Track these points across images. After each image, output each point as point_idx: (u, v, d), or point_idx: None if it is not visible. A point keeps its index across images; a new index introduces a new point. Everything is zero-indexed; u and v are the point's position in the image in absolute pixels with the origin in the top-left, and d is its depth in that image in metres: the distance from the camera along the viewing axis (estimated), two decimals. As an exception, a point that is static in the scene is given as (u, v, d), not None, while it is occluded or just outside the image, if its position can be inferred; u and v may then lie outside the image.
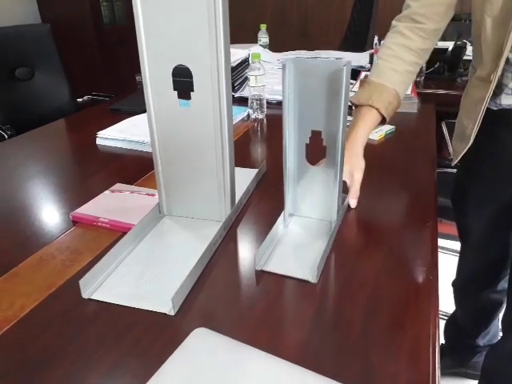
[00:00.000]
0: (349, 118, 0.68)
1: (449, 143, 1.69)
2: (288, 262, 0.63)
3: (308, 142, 0.66)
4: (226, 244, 0.68)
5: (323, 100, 0.62)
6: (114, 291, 0.57)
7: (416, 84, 1.52)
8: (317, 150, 0.67)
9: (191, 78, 0.63)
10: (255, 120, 1.28)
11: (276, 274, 0.60)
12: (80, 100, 2.06)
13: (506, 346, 0.99)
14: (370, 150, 0.84)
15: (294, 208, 0.73)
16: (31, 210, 0.81)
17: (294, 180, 0.70)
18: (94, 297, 0.57)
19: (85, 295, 0.57)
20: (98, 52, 2.93)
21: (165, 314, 0.54)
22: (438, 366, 0.46)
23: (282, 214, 0.71)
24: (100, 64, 2.97)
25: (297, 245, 0.67)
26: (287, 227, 0.71)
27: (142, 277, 0.60)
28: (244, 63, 1.54)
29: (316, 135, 0.65)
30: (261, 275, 0.61)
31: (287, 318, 0.53)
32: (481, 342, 1.25)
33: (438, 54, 1.74)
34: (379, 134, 1.12)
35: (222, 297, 0.58)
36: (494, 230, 1.03)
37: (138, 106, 1.31)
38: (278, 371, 0.44)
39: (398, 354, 0.48)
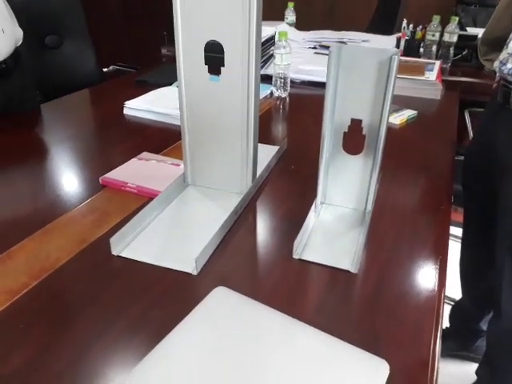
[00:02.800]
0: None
1: (470, 132, 1.68)
2: (324, 250, 0.63)
3: (347, 130, 0.66)
4: (245, 215, 0.72)
5: (368, 88, 0.61)
6: (141, 250, 0.62)
7: (442, 70, 1.51)
8: (354, 139, 0.66)
9: (222, 53, 0.65)
10: (278, 98, 1.30)
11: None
12: (105, 69, 2.09)
13: (499, 326, 1.03)
14: (391, 134, 0.86)
15: (325, 196, 0.73)
16: (62, 173, 0.86)
17: (328, 168, 0.70)
18: (122, 254, 0.61)
19: (114, 252, 0.61)
20: (124, 22, 2.94)
21: (188, 273, 0.58)
22: (439, 335, 0.49)
23: (314, 202, 0.71)
24: (125, 35, 2.99)
25: (330, 234, 0.67)
26: (319, 215, 0.71)
27: (167, 239, 0.64)
28: (270, 41, 1.54)
29: (355, 124, 0.65)
30: (280, 248, 0.65)
31: (304, 284, 0.57)
32: (483, 326, 1.28)
33: (466, 40, 1.72)
34: (401, 118, 1.13)
35: (241, 262, 0.62)
36: (495, 208, 1.04)
37: (164, 79, 1.34)
38: (292, 331, 0.48)
39: (405, 321, 0.51)
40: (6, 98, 1.09)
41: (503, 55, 0.91)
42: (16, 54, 1.08)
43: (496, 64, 0.95)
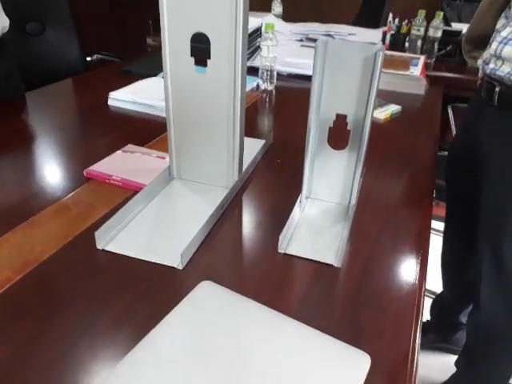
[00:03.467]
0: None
1: (453, 127, 1.71)
2: (308, 245, 0.63)
3: (332, 125, 0.66)
4: (231, 209, 0.72)
5: (353, 84, 0.62)
6: (127, 244, 0.62)
7: (426, 65, 1.53)
8: (339, 134, 0.67)
9: (209, 45, 0.65)
10: (264, 91, 1.29)
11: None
12: (89, 58, 2.05)
13: (477, 318, 1.06)
14: (376, 129, 0.87)
15: (310, 191, 0.74)
16: (45, 164, 0.85)
17: (314, 163, 0.71)
18: (107, 248, 0.61)
19: (99, 246, 0.61)
20: (109, 10, 2.89)
21: (173, 267, 0.58)
22: (419, 327, 0.51)
23: (299, 196, 0.71)
24: (110, 23, 2.93)
25: (315, 228, 0.68)
26: (303, 210, 0.72)
27: (153, 233, 0.64)
28: (256, 32, 1.53)
29: (340, 119, 0.65)
30: (266, 243, 0.65)
31: (289, 278, 0.58)
32: (463, 319, 1.32)
33: (451, 35, 1.74)
34: (385, 113, 1.14)
35: (226, 256, 0.62)
36: (477, 204, 1.07)
37: (149, 69, 1.32)
38: (276, 325, 0.48)
39: (386, 314, 0.52)
40: None
41: (486, 55, 0.92)
42: (1, 42, 1.06)
43: (479, 62, 0.96)
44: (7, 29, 1.09)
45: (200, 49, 0.66)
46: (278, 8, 2.04)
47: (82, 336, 0.48)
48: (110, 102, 1.12)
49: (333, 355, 0.45)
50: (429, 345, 1.41)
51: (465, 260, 1.22)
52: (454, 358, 1.26)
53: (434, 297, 1.45)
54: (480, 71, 0.99)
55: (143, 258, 0.59)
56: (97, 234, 0.60)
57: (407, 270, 0.60)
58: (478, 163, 0.98)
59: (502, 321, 1.01)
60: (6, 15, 1.11)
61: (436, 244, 1.28)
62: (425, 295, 0.58)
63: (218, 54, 0.65)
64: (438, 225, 1.37)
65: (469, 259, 1.21)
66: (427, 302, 1.46)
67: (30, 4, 1.72)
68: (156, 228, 0.66)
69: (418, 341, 0.50)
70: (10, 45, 1.12)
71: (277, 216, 0.70)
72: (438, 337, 1.40)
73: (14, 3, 1.67)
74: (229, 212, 0.71)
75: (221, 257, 0.62)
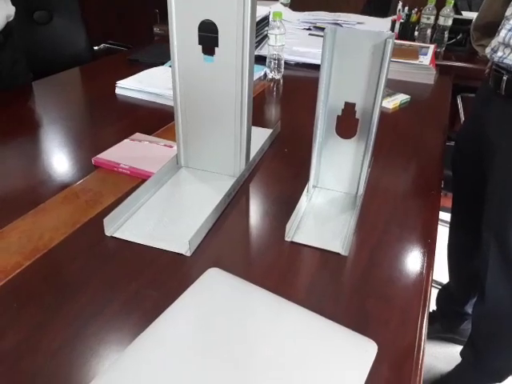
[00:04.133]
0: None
1: (462, 117, 1.69)
2: (315, 233, 0.63)
3: (340, 113, 0.66)
4: (239, 197, 0.72)
5: (362, 72, 0.61)
6: (135, 231, 0.62)
7: (436, 55, 1.51)
8: (347, 122, 0.66)
9: (217, 33, 0.64)
10: (272, 80, 1.29)
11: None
12: (96, 48, 2.05)
13: (482, 309, 1.05)
14: (384, 118, 0.86)
15: (318, 180, 0.74)
16: (54, 152, 0.85)
17: (321, 152, 0.70)
18: (116, 235, 0.61)
19: (108, 233, 0.61)
20: (116, 0, 2.87)
21: (181, 254, 0.59)
22: (426, 316, 0.51)
23: (307, 185, 0.71)
24: (117, 12, 2.92)
25: (322, 217, 0.67)
26: (311, 199, 0.72)
27: (161, 220, 0.65)
28: (264, 21, 1.52)
29: (348, 107, 0.65)
30: (273, 232, 0.65)
31: (296, 266, 0.58)
32: (469, 309, 1.31)
33: (461, 24, 1.70)
34: (394, 102, 1.13)
35: (234, 244, 0.62)
36: (483, 194, 1.06)
37: (156, 58, 1.32)
38: (283, 311, 0.49)
39: (393, 303, 0.52)
40: None
41: (494, 43, 0.91)
42: (7, 29, 1.06)
43: (488, 50, 0.95)
44: (13, 17, 1.09)
45: (208, 37, 0.65)
46: (285, -4, 2.02)
47: (91, 321, 0.49)
48: (118, 91, 1.12)
49: (339, 342, 0.45)
50: (435, 334, 1.41)
51: (470, 250, 1.22)
52: (460, 348, 1.26)
53: (439, 287, 1.45)
54: (489, 60, 0.97)
55: (151, 245, 0.60)
56: (105, 220, 0.61)
57: (414, 259, 0.60)
58: (485, 152, 0.97)
59: (507, 311, 1.01)
60: (14, 4, 1.11)
61: (444, 235, 1.28)
62: (432, 285, 0.58)
63: (225, 43, 0.65)
64: (446, 216, 1.36)
65: (474, 249, 1.20)
66: (434, 293, 1.46)
67: (37, -8, 1.72)
68: (164, 215, 0.66)
69: (424, 330, 0.50)
70: (16, 33, 1.13)
71: (284, 205, 0.70)
72: (444, 327, 1.40)
73: (22, -8, 1.67)
74: (236, 200, 0.71)
75: (228, 244, 0.62)
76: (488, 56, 0.95)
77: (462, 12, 2.05)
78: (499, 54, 0.87)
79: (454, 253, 1.31)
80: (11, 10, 1.08)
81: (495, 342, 1.08)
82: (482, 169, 0.99)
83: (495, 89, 0.91)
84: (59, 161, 0.83)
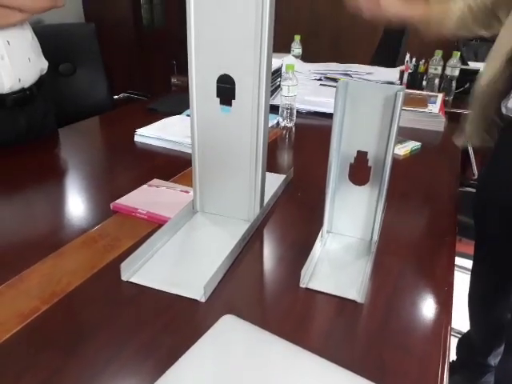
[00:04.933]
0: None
1: (473, 163, 1.70)
2: (331, 280, 0.64)
3: (353, 161, 0.68)
4: (253, 242, 0.73)
5: (374, 122, 0.64)
6: (151, 276, 0.63)
7: (444, 103, 1.55)
8: (360, 170, 0.68)
9: (234, 85, 0.68)
10: (284, 128, 1.33)
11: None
12: (116, 97, 2.15)
13: (509, 365, 1.01)
14: (396, 165, 0.88)
15: (331, 225, 0.75)
16: (74, 197, 0.88)
17: (335, 198, 0.72)
18: (132, 280, 0.62)
19: (124, 278, 0.62)
20: (136, 52, 3.04)
21: (196, 300, 0.59)
22: (446, 368, 0.49)
23: (321, 230, 0.72)
24: (136, 63, 3.08)
25: (337, 263, 0.68)
26: (325, 244, 0.72)
27: (176, 265, 0.66)
28: (277, 72, 1.59)
29: (361, 155, 0.67)
30: (287, 276, 0.66)
31: (311, 313, 0.58)
32: (492, 361, 1.26)
33: (468, 74, 1.76)
34: (405, 149, 1.15)
35: (248, 289, 0.62)
36: (507, 243, 1.04)
37: (174, 107, 1.38)
38: (298, 360, 0.48)
39: (412, 353, 0.51)
40: (29, 123, 1.13)
41: None
42: (40, 81, 1.13)
43: (504, 110, 0.93)
44: (46, 70, 1.16)
45: (225, 89, 0.69)
46: (297, 49, 2.12)
47: (106, 367, 0.49)
48: (137, 139, 1.16)
49: (357, 393, 0.44)
50: (455, 388, 1.34)
51: (494, 299, 1.19)
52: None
53: (459, 335, 1.40)
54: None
55: (167, 290, 0.60)
56: (122, 265, 0.62)
57: (432, 307, 0.60)
58: None
59: None
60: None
61: (460, 281, 1.25)
62: (451, 334, 0.56)
63: (242, 94, 0.68)
64: (461, 261, 1.34)
65: (498, 298, 1.17)
66: (452, 341, 1.40)
67: (63, 46, 1.84)
68: (180, 260, 0.67)
69: (445, 381, 0.48)
70: (47, 85, 1.20)
71: (298, 250, 0.70)
72: (464, 379, 1.34)
73: (49, 46, 1.79)
74: (251, 245, 0.72)
75: (243, 290, 0.62)
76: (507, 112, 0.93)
77: (469, 62, 2.12)
78: None
79: (475, 301, 1.28)
80: (45, 64, 1.16)
81: None
82: (508, 216, 0.97)
83: None
84: (79, 206, 0.85)
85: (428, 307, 0.60)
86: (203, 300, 0.59)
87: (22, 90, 1.06)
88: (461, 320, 1.33)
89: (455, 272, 0.71)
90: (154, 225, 0.76)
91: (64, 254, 0.68)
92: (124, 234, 0.74)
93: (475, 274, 1.25)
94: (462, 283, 1.27)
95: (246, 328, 0.52)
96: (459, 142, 1.08)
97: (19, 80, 1.04)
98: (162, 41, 3.07)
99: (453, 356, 1.40)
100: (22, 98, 1.07)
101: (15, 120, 1.10)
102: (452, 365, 1.37)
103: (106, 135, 1.32)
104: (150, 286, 0.61)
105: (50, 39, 1.79)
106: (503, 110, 0.94)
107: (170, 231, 0.73)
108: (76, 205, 0.85)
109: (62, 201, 0.87)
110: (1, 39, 0.98)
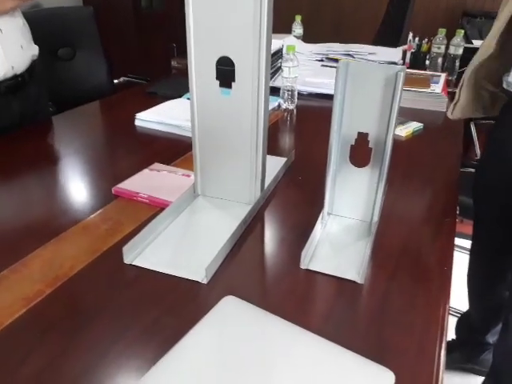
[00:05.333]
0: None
1: (476, 144, 1.69)
2: (331, 261, 0.64)
3: (353, 143, 0.68)
4: (254, 224, 0.73)
5: (375, 103, 0.63)
6: (153, 259, 0.64)
7: (448, 83, 1.53)
8: (360, 152, 0.68)
9: (233, 68, 0.67)
10: (285, 110, 1.32)
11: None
12: (116, 81, 2.14)
13: (508, 342, 1.02)
14: (397, 146, 0.87)
15: (332, 207, 0.75)
16: (75, 182, 0.89)
17: (335, 179, 0.72)
18: (134, 263, 0.63)
19: (127, 261, 0.63)
20: (135, 35, 3.01)
21: (198, 282, 0.59)
22: (444, 345, 0.50)
23: (321, 212, 0.72)
24: (136, 47, 3.05)
25: (337, 245, 0.68)
26: (325, 226, 0.73)
27: (178, 248, 0.66)
28: (278, 53, 1.57)
29: (362, 137, 0.66)
30: (288, 260, 0.66)
31: (312, 294, 0.58)
32: (490, 339, 1.28)
33: (472, 53, 1.72)
34: (407, 130, 1.14)
35: (250, 271, 0.63)
36: (504, 223, 1.04)
37: (174, 91, 1.37)
38: (299, 340, 0.49)
39: (411, 332, 0.52)
40: (22, 109, 1.12)
41: None
42: (31, 67, 1.12)
43: (505, 85, 0.92)
44: (37, 56, 1.16)
45: (225, 72, 0.68)
46: (298, 29, 2.09)
47: (110, 348, 0.50)
48: (137, 123, 1.16)
49: (356, 371, 0.45)
50: (454, 365, 1.37)
51: (493, 277, 1.19)
52: (480, 379, 1.22)
53: (458, 315, 1.41)
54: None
55: (169, 273, 0.61)
56: (124, 249, 0.62)
57: (431, 287, 0.60)
58: None
59: None
60: (41, 42, 1.18)
61: (459, 262, 1.26)
62: (449, 313, 0.57)
63: (242, 77, 0.68)
64: (462, 242, 1.34)
65: (497, 277, 1.18)
66: (451, 320, 1.42)
67: (62, 31, 1.81)
68: (181, 243, 0.68)
69: (442, 359, 0.49)
70: (40, 70, 1.19)
71: (299, 232, 0.71)
72: (463, 357, 1.36)
73: (47, 31, 1.77)
74: (251, 228, 0.72)
75: (244, 272, 0.63)
76: (506, 86, 0.92)
77: (473, 40, 2.09)
78: None
79: (474, 281, 1.29)
80: (36, 50, 1.15)
81: None
82: (508, 196, 0.97)
83: None
84: (80, 191, 0.85)
85: (427, 287, 0.60)
86: (205, 282, 0.59)
87: (15, 76, 1.07)
88: (460, 299, 1.34)
89: (456, 252, 0.72)
90: (155, 209, 0.76)
91: (66, 239, 0.69)
92: (126, 218, 0.74)
93: (474, 254, 1.25)
94: (462, 263, 1.28)
95: (247, 309, 0.53)
96: (450, 113, 1.07)
97: (12, 67, 1.04)
98: (161, 24, 3.03)
99: (451, 335, 1.41)
100: (14, 85, 1.07)
101: (8, 106, 1.09)
102: (451, 343, 1.39)
103: (107, 119, 1.31)
104: (153, 268, 0.62)
105: (48, 23, 1.78)
106: (504, 85, 0.93)
107: (172, 215, 0.74)
108: (77, 190, 0.86)
109: (63, 186, 0.87)
110: None
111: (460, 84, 1.07)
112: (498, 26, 0.91)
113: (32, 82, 1.14)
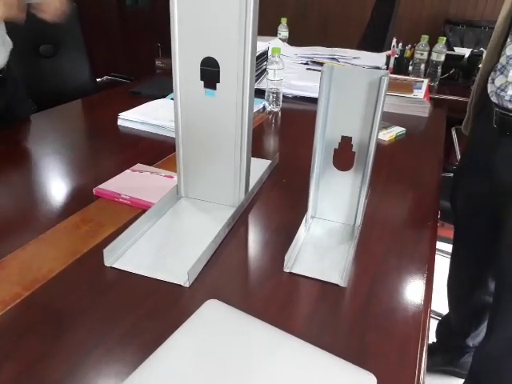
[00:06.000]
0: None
1: (457, 149, 1.72)
2: (314, 264, 0.64)
3: (337, 146, 0.68)
4: (237, 227, 0.73)
5: (358, 108, 0.64)
6: (134, 262, 0.63)
7: (430, 88, 1.55)
8: (344, 155, 0.68)
9: (218, 69, 0.67)
10: (270, 112, 1.32)
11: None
12: (99, 80, 2.10)
13: (490, 347, 1.04)
14: (380, 150, 0.88)
15: (316, 210, 0.75)
16: (55, 183, 0.87)
17: (319, 183, 0.72)
18: (115, 265, 0.62)
19: (107, 263, 0.62)
20: (119, 34, 2.97)
21: (180, 285, 0.59)
22: (425, 348, 0.51)
23: (305, 216, 0.72)
24: (120, 46, 3.01)
25: (321, 248, 0.68)
26: (309, 229, 0.73)
27: (160, 251, 0.65)
28: (263, 55, 1.57)
29: (345, 141, 0.67)
30: (272, 260, 0.66)
31: (295, 297, 0.58)
32: (470, 342, 1.30)
33: (454, 60, 1.77)
34: (390, 134, 1.15)
35: (232, 274, 0.63)
36: (485, 225, 1.06)
37: (157, 91, 1.35)
38: (281, 344, 0.49)
39: (392, 335, 0.52)
40: (3, 106, 1.09)
41: (500, 81, 0.90)
42: (8, 62, 1.10)
43: (491, 89, 0.93)
44: (11, 49, 1.13)
45: (209, 72, 0.68)
46: (284, 32, 2.09)
47: (90, 353, 0.48)
48: (120, 123, 1.14)
49: (338, 375, 0.45)
50: (435, 368, 1.38)
51: (472, 282, 1.21)
52: (461, 381, 1.23)
53: (439, 318, 1.44)
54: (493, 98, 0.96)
55: (150, 276, 0.60)
56: (105, 251, 0.61)
57: (413, 290, 0.61)
58: (491, 189, 0.96)
59: None
60: (23, 38, 1.15)
61: (440, 265, 1.28)
62: (431, 316, 0.58)
63: (226, 78, 0.67)
64: (443, 246, 1.37)
65: (476, 281, 1.20)
66: (432, 324, 1.44)
67: (43, 27, 1.77)
68: (163, 246, 0.67)
69: (423, 363, 0.50)
70: (21, 66, 1.16)
71: (282, 235, 0.70)
72: (444, 360, 1.38)
73: (28, 26, 1.73)
74: (235, 230, 0.72)
75: (227, 275, 0.62)
76: (491, 96, 0.93)
77: (455, 48, 2.13)
78: (509, 92, 0.86)
79: (454, 285, 1.31)
80: (11, 44, 1.12)
81: (501, 380, 1.06)
82: (490, 206, 0.99)
83: (504, 131, 0.90)
84: (61, 191, 0.84)
85: (409, 291, 0.61)
86: (187, 285, 0.59)
87: None
88: (441, 303, 1.36)
89: (437, 256, 0.73)
90: (137, 210, 0.75)
91: (45, 240, 0.67)
92: (107, 219, 0.73)
93: (454, 258, 1.27)
94: (443, 267, 1.30)
95: (230, 312, 0.52)
96: (464, 130, 1.10)
97: None
98: (146, 23, 3.01)
99: (432, 338, 1.43)
100: None
101: None
102: (432, 347, 1.41)
103: (89, 119, 1.29)
104: (134, 271, 0.61)
105: (29, 19, 1.74)
106: (490, 89, 0.94)
107: (154, 217, 0.73)
108: (58, 190, 0.84)
109: (43, 186, 0.85)
110: None
111: (469, 100, 1.08)
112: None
113: (10, 78, 1.12)
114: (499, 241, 0.96)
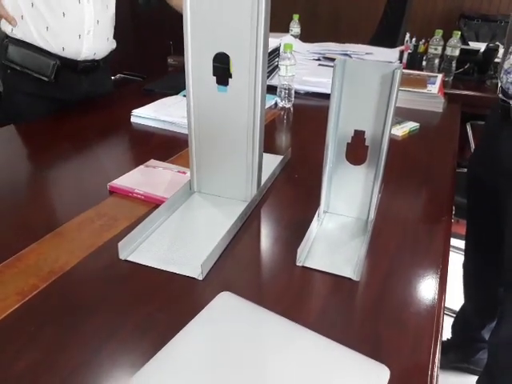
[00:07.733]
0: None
1: (472, 144, 1.70)
2: (327, 258, 0.64)
3: (350, 140, 0.68)
4: (250, 222, 0.73)
5: (371, 101, 0.63)
6: (148, 255, 0.63)
7: (444, 84, 1.53)
8: (357, 149, 0.68)
9: (230, 65, 0.67)
10: (282, 108, 1.32)
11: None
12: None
13: (502, 333, 1.03)
14: (393, 145, 0.87)
15: (328, 205, 0.75)
16: (71, 179, 0.88)
17: (332, 177, 0.72)
18: (130, 258, 0.63)
19: (122, 256, 0.63)
20: (131, 32, 2.99)
21: (193, 278, 0.59)
22: (439, 342, 0.50)
23: (317, 210, 0.72)
24: (132, 44, 3.03)
25: (333, 242, 0.68)
26: (322, 224, 0.73)
27: (174, 244, 0.66)
28: (275, 52, 1.57)
29: (358, 135, 0.66)
30: (284, 255, 0.66)
31: (307, 291, 0.58)
32: (486, 335, 1.28)
33: (469, 54, 1.74)
34: (403, 130, 1.14)
35: (245, 268, 0.63)
36: (500, 218, 1.05)
37: (170, 88, 1.36)
38: (294, 336, 0.49)
39: (406, 329, 0.52)
40: (89, 89, 1.31)
41: (507, 64, 0.91)
42: (106, 57, 1.30)
43: (502, 74, 0.94)
44: (113, 49, 1.32)
45: (222, 68, 0.68)
46: (295, 28, 2.09)
47: (105, 343, 0.49)
48: (133, 120, 1.16)
49: (351, 367, 0.45)
50: (449, 365, 1.37)
51: (487, 274, 1.21)
52: (475, 378, 1.22)
53: (453, 315, 1.42)
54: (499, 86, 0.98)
55: (164, 269, 0.61)
56: (120, 244, 0.62)
57: (426, 285, 0.60)
58: (500, 181, 0.97)
59: None
60: None
61: (455, 262, 1.26)
62: (445, 313, 0.57)
63: (238, 74, 0.67)
64: (457, 242, 1.35)
65: (491, 273, 1.19)
66: (448, 320, 1.43)
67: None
68: (177, 239, 0.67)
69: (437, 356, 0.49)
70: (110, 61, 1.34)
71: (295, 229, 0.71)
72: (458, 356, 1.37)
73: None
74: (248, 225, 0.72)
75: (240, 268, 0.63)
76: (499, 77, 0.94)
77: (470, 42, 2.10)
78: None
79: (469, 278, 1.30)
80: (114, 44, 1.32)
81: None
82: (497, 194, 0.99)
83: (505, 117, 0.92)
84: (76, 186, 0.85)
85: (422, 285, 0.60)
86: (200, 278, 0.59)
87: (93, 61, 1.24)
88: (455, 299, 1.35)
89: (451, 253, 0.72)
90: (151, 205, 0.76)
91: (61, 234, 0.68)
92: (121, 214, 0.74)
93: (468, 251, 1.26)
94: (457, 264, 1.29)
95: (243, 305, 0.53)
96: None
97: (94, 54, 1.22)
98: (158, 21, 3.02)
99: (447, 335, 1.42)
100: (89, 68, 1.25)
101: (80, 84, 1.27)
102: (446, 343, 1.39)
103: (102, 116, 1.30)
104: (148, 264, 0.62)
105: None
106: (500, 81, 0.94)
107: (167, 211, 0.73)
108: (73, 186, 0.85)
109: (59, 182, 0.87)
110: (93, 17, 1.16)
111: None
112: None
113: (103, 69, 1.31)
114: (504, 226, 0.95)
